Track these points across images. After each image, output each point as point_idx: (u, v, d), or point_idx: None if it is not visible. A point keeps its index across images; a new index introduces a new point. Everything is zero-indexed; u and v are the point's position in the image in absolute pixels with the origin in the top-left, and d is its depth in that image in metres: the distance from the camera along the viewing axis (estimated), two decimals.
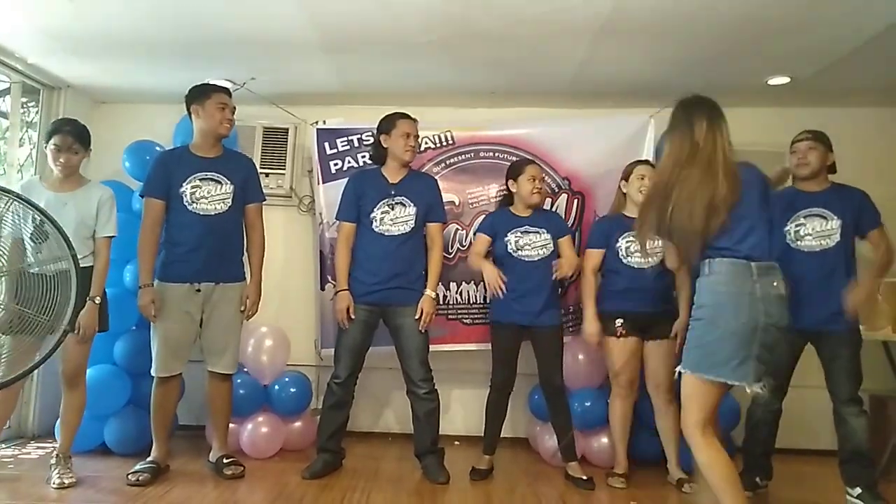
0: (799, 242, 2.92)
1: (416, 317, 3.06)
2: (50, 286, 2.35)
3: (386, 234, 3.07)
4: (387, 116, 3.17)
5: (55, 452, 2.92)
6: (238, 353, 3.14)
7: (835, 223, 2.88)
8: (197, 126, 3.05)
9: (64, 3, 2.82)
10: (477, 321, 3.68)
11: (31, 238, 2.50)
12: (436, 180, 3.32)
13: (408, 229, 3.08)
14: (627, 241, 3.11)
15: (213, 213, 2.99)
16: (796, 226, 2.93)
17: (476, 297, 3.69)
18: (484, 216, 3.44)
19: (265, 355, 3.52)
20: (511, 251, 3.13)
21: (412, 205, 3.09)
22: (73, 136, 2.85)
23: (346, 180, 3.30)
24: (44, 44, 3.29)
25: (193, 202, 2.97)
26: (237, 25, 3.03)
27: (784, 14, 2.76)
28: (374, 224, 3.08)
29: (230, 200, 3.02)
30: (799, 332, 2.78)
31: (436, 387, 3.12)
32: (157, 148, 3.73)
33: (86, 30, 3.11)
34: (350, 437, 3.40)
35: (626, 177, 3.21)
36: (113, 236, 2.91)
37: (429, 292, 3.08)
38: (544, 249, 3.14)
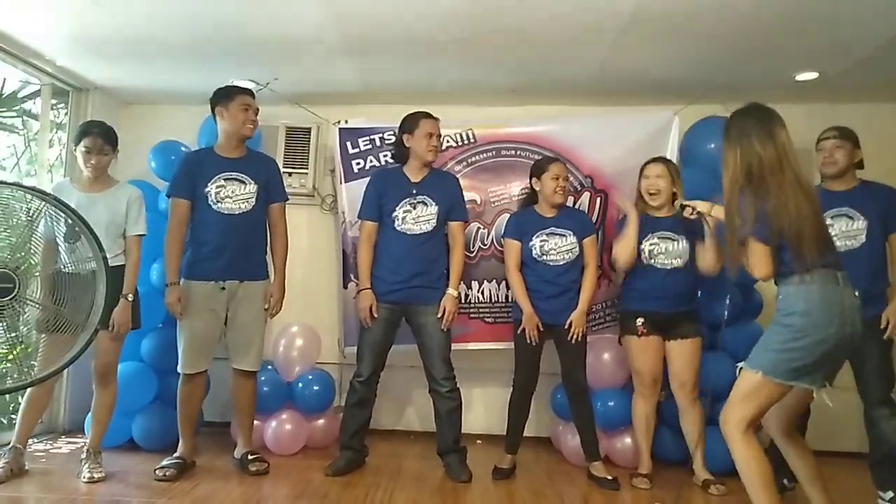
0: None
1: (438, 315, 3.06)
2: (83, 285, 2.41)
3: (408, 232, 3.07)
4: (410, 116, 3.17)
5: (85, 447, 2.99)
6: (262, 350, 3.17)
7: (861, 223, 2.82)
8: (221, 127, 3.09)
9: (91, 7, 2.87)
10: (499, 320, 3.67)
11: (64, 238, 2.55)
12: (457, 179, 3.32)
13: (430, 228, 3.08)
14: (652, 244, 3.09)
15: (237, 213, 3.03)
16: None
17: (498, 295, 3.69)
18: (508, 217, 3.41)
19: (296, 353, 3.57)
20: (536, 256, 3.13)
21: (434, 204, 3.10)
22: (102, 138, 2.92)
23: (367, 179, 3.32)
24: (72, 46, 3.35)
25: (218, 202, 3.01)
26: (259, 27, 3.06)
27: (812, 9, 2.71)
28: (396, 223, 3.08)
29: (254, 200, 3.05)
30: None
31: (458, 385, 3.12)
32: (183, 148, 3.79)
33: (112, 33, 3.17)
34: (373, 436, 3.42)
35: (640, 175, 3.19)
36: (143, 234, 2.98)
37: (451, 291, 3.09)
38: (570, 254, 3.13)
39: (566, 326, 3.08)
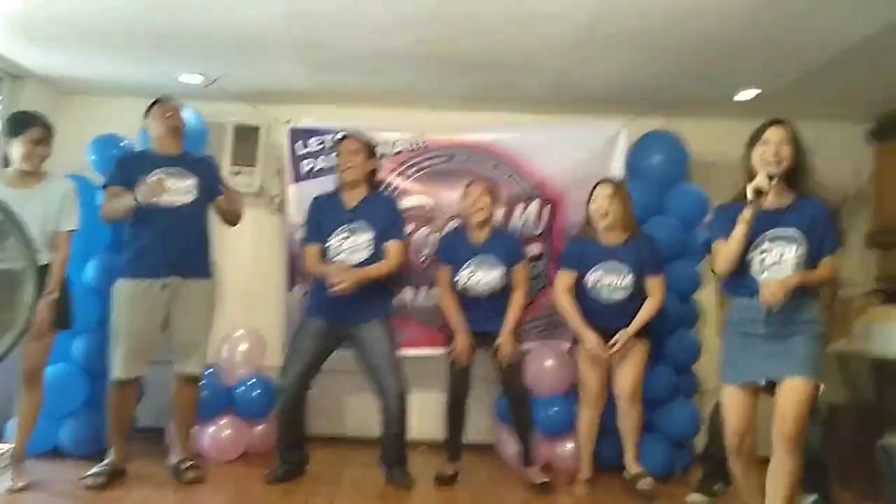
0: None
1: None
2: (12, 284, 2.27)
3: (346, 262, 3.02)
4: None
5: (8, 454, 2.83)
6: (206, 353, 3.08)
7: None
8: (152, 135, 3.09)
9: None
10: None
11: None
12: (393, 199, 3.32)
13: (367, 255, 3.02)
14: (597, 276, 3.05)
15: (177, 205, 2.94)
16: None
17: None
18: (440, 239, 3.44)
19: (240, 357, 3.50)
20: (462, 287, 3.16)
21: (370, 229, 3.05)
22: (47, 129, 2.82)
23: (317, 180, 3.29)
24: (6, 30, 3.19)
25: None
26: (211, 19, 2.98)
27: (755, 26, 2.81)
28: (331, 252, 3.05)
29: (195, 192, 2.98)
30: None
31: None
32: (123, 143, 3.65)
33: (52, 17, 3.02)
34: (313, 443, 3.35)
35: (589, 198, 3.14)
36: (74, 230, 2.84)
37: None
38: (500, 282, 3.14)
39: (494, 349, 3.11)
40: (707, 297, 3.75)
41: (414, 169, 3.77)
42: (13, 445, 2.84)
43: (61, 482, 2.86)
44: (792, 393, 2.17)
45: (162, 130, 3.03)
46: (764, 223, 2.27)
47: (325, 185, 3.60)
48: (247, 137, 3.91)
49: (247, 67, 3.52)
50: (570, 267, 3.11)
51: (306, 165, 3.75)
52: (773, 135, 2.28)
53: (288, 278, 3.75)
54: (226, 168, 3.86)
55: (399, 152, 3.73)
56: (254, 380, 3.48)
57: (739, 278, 2.32)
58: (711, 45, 2.99)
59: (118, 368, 2.88)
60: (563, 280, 3.12)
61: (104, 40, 3.26)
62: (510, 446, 3.45)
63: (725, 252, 2.30)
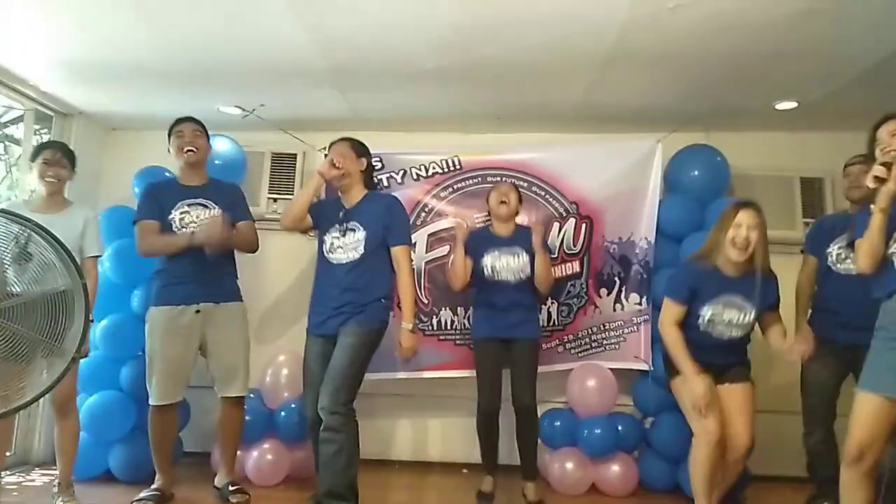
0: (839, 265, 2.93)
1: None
2: (40, 309, 2.30)
3: (334, 261, 2.86)
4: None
5: (56, 480, 2.89)
6: (248, 375, 3.11)
7: None
8: (175, 160, 3.12)
9: (75, 32, 2.87)
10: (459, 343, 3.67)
11: (14, 259, 2.41)
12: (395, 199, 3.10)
13: (356, 256, 2.84)
14: (714, 310, 2.71)
15: None
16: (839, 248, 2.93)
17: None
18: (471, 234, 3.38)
19: (283, 381, 3.52)
20: (489, 276, 3.18)
21: (361, 229, 2.86)
22: (61, 151, 2.92)
23: None
24: (56, 71, 3.34)
25: (182, 227, 2.97)
26: (245, 53, 3.07)
27: (789, 39, 2.77)
28: (325, 249, 2.91)
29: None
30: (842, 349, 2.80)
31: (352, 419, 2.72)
32: (167, 174, 3.76)
33: (97, 57, 3.16)
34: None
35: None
36: (99, 256, 2.94)
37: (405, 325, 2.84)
38: (522, 273, 3.18)
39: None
40: None
41: (448, 190, 3.78)
42: (59, 471, 2.88)
43: None
44: None
45: (181, 163, 3.07)
46: None
47: None
48: (284, 165, 4.00)
49: (282, 96, 3.61)
50: (682, 298, 2.73)
51: None
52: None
53: None
54: (263, 195, 3.95)
55: (433, 174, 3.76)
56: (295, 403, 3.50)
57: (884, 275, 2.17)
58: (747, 57, 2.95)
59: (155, 394, 2.93)
60: (672, 312, 2.74)
61: (146, 78, 3.38)
62: (555, 469, 3.38)
63: (864, 246, 2.20)
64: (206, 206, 3.02)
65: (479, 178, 3.78)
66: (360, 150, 3.00)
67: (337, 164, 2.86)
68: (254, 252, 3.18)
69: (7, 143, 4.25)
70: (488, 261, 3.17)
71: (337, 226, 2.88)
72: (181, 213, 2.99)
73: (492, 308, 3.17)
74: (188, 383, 3.04)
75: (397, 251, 2.86)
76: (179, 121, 3.09)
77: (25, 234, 2.28)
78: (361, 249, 2.82)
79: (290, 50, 3.01)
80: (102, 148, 4.15)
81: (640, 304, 3.61)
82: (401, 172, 3.75)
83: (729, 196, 3.71)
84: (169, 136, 3.08)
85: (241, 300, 3.12)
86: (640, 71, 3.16)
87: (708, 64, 3.04)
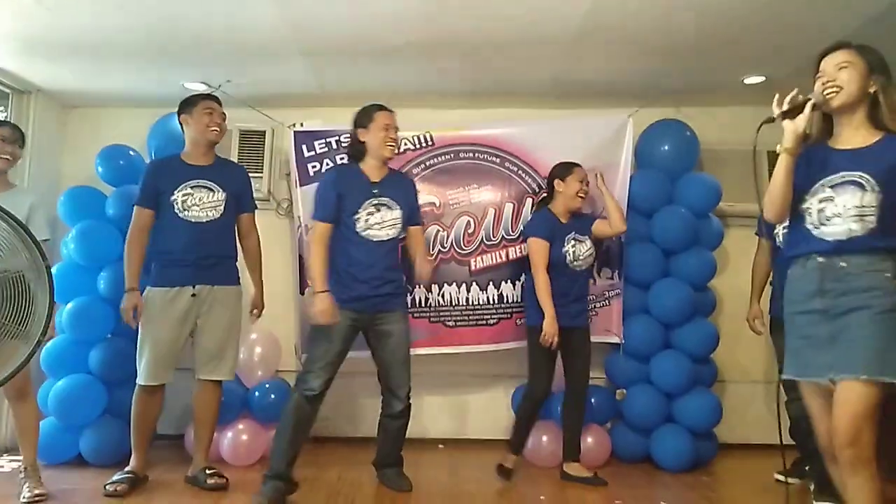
0: None
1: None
2: (4, 291, 2.24)
3: (373, 238, 2.89)
4: (363, 109, 2.97)
5: (21, 466, 2.82)
6: (237, 360, 3.10)
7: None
8: (187, 135, 3.03)
9: (33, 6, 2.75)
10: (460, 324, 3.65)
11: None
12: (413, 182, 3.28)
13: (394, 234, 2.94)
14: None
15: (204, 221, 2.95)
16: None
17: (458, 298, 3.67)
18: (531, 216, 3.45)
19: (256, 360, 3.50)
20: (568, 261, 3.15)
21: (398, 208, 2.93)
22: (14, 130, 2.83)
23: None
24: (12, 46, 3.21)
25: (185, 210, 2.93)
26: (213, 28, 2.99)
27: (755, 13, 2.78)
28: (358, 226, 2.88)
29: (222, 208, 2.99)
30: None
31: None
32: (131, 153, 3.67)
33: (56, 33, 3.04)
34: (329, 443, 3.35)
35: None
36: (48, 240, 2.79)
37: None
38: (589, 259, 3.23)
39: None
40: (721, 284, 3.75)
41: (421, 167, 3.75)
42: (23, 457, 2.80)
43: (83, 491, 2.87)
44: (845, 397, 1.77)
45: (200, 140, 3.00)
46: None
47: None
48: (252, 142, 3.92)
49: (250, 72, 3.53)
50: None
51: (312, 168, 3.74)
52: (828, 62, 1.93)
53: (298, 282, 3.76)
54: None
55: (405, 150, 3.72)
56: (269, 383, 3.49)
57: (792, 234, 1.97)
58: (714, 31, 2.96)
59: (145, 374, 2.89)
60: None
61: (107, 54, 3.28)
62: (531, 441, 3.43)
63: (768, 191, 1.96)
64: (210, 189, 2.97)
65: (452, 154, 3.76)
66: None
67: (392, 139, 2.93)
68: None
69: None
70: (569, 248, 3.15)
71: (368, 200, 2.88)
72: (184, 195, 2.93)
73: (564, 296, 3.13)
74: (177, 366, 2.99)
75: (418, 230, 3.07)
76: (207, 96, 3.05)
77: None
78: (399, 227, 2.94)
79: (259, 25, 2.93)
80: (63, 126, 4.03)
81: (611, 278, 3.65)
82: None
83: (698, 171, 3.76)
84: (184, 109, 3.00)
85: (238, 283, 3.08)
86: (610, 46, 3.16)
87: (676, 38, 3.05)
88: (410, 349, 3.04)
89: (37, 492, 2.72)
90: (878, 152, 1.87)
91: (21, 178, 3.47)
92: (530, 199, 3.69)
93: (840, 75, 1.90)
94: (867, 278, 1.82)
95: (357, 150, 2.97)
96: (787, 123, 1.93)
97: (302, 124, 3.77)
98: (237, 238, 3.11)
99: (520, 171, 3.72)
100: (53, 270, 2.32)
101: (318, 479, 3.11)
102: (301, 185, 3.73)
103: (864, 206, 1.83)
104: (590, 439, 3.41)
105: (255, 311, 3.12)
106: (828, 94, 1.90)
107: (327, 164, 3.73)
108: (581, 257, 3.16)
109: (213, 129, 2.98)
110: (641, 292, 3.58)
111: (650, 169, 3.67)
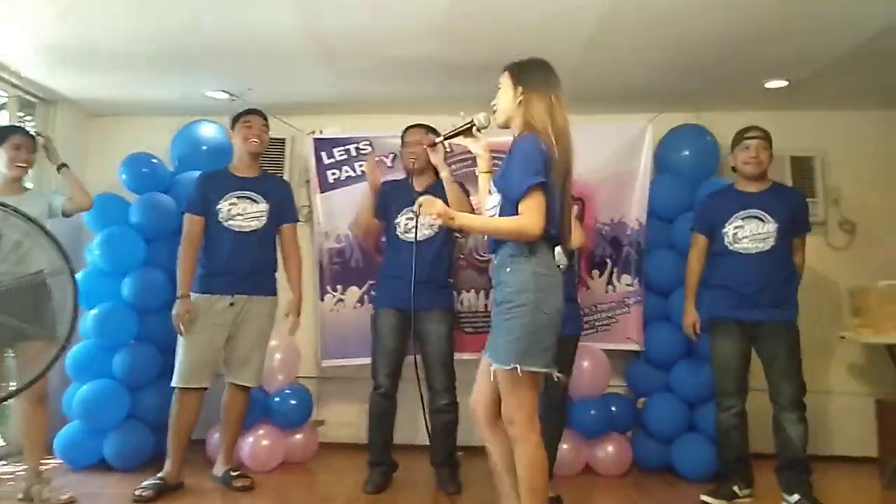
0: (736, 245, 2.89)
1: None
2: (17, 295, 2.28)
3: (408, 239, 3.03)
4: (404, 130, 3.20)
5: (29, 473, 2.80)
6: (262, 367, 3.15)
7: (771, 226, 2.85)
8: (234, 147, 3.17)
9: (58, 17, 2.81)
10: (480, 330, 3.64)
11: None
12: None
13: (431, 233, 3.05)
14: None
15: (247, 230, 3.04)
16: (735, 228, 2.90)
17: (478, 304, 3.66)
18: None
19: (276, 365, 3.52)
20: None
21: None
22: (29, 137, 2.88)
23: (343, 190, 3.29)
24: (38, 57, 3.28)
25: (229, 219, 3.03)
26: (235, 37, 3.03)
27: (779, 17, 2.76)
28: (398, 230, 3.09)
29: (265, 218, 3.08)
30: (741, 328, 2.85)
31: (457, 397, 3.06)
32: (154, 160, 3.72)
33: (80, 43, 3.10)
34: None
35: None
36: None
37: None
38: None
39: None
40: None
41: None
42: (30, 464, 2.81)
43: (107, 495, 2.90)
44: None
45: (243, 153, 3.12)
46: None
47: (351, 193, 3.64)
48: (273, 150, 3.95)
49: (270, 81, 3.57)
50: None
51: (332, 175, 3.77)
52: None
53: (319, 287, 3.78)
54: None
55: None
56: (289, 389, 3.51)
57: None
58: (735, 35, 2.94)
59: (180, 377, 2.95)
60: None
61: (130, 63, 3.33)
62: None
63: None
64: (254, 200, 3.07)
65: (471, 161, 3.76)
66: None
67: (412, 152, 3.09)
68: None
69: None
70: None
71: (410, 209, 2.92)
72: (229, 205, 3.04)
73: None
74: (215, 371, 3.05)
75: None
76: (249, 111, 3.15)
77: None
78: (436, 228, 3.01)
79: (280, 34, 2.97)
80: (87, 134, 4.10)
81: (631, 285, 3.62)
82: (391, 156, 3.73)
83: (719, 177, 3.73)
84: (233, 124, 3.14)
85: (275, 294, 3.15)
86: (627, 50, 3.15)
87: (696, 43, 3.03)
88: (452, 348, 3.11)
89: (63, 497, 2.72)
90: None
91: (48, 185, 3.54)
92: None
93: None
94: None
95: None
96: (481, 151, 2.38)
97: (321, 132, 3.81)
98: (278, 248, 3.18)
99: None
100: (78, 276, 2.36)
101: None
102: (321, 192, 3.76)
103: None
104: (610, 448, 3.39)
105: (289, 315, 3.16)
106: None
107: (346, 171, 3.75)
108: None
109: (253, 140, 3.09)
110: (662, 299, 3.55)
111: (670, 174, 3.65)
